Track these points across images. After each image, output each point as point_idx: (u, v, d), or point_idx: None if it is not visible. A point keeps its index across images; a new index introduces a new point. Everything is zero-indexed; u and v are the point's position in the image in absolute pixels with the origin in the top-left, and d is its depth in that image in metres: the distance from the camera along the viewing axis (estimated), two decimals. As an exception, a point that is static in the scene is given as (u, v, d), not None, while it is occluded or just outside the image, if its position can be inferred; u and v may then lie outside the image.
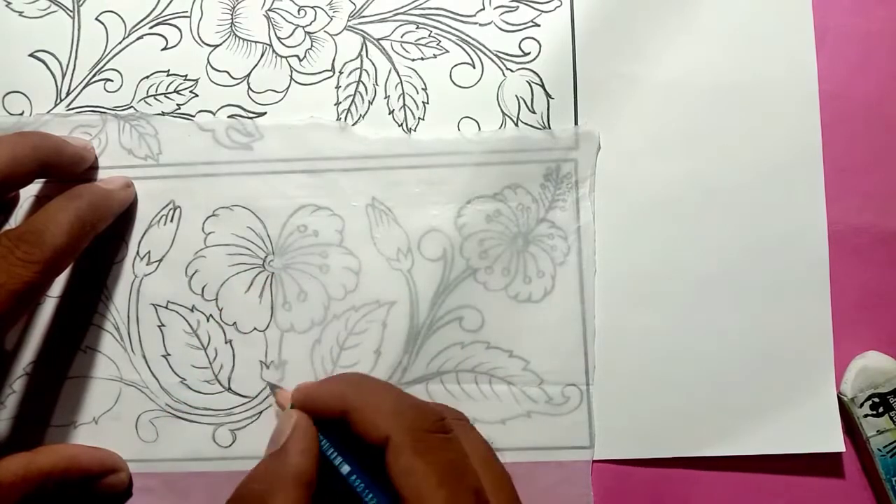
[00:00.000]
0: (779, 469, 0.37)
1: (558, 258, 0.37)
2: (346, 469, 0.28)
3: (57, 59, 0.39)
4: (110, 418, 0.37)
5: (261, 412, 0.37)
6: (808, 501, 0.37)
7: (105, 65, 0.39)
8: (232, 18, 0.39)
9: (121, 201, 0.37)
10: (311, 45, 0.38)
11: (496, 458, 0.30)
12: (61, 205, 0.33)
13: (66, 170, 0.36)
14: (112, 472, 0.36)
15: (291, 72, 0.38)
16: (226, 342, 0.37)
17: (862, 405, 0.36)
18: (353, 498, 0.28)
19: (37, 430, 0.37)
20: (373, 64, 0.38)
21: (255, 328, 0.37)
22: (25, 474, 0.32)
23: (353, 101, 0.38)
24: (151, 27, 0.39)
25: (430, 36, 0.38)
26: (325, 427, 0.29)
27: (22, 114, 0.38)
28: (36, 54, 0.39)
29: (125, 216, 0.38)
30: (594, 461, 0.37)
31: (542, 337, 0.37)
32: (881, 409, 0.36)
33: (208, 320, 0.37)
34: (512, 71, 0.38)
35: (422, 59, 0.38)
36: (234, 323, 0.37)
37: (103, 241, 0.37)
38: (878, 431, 0.36)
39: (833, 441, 0.36)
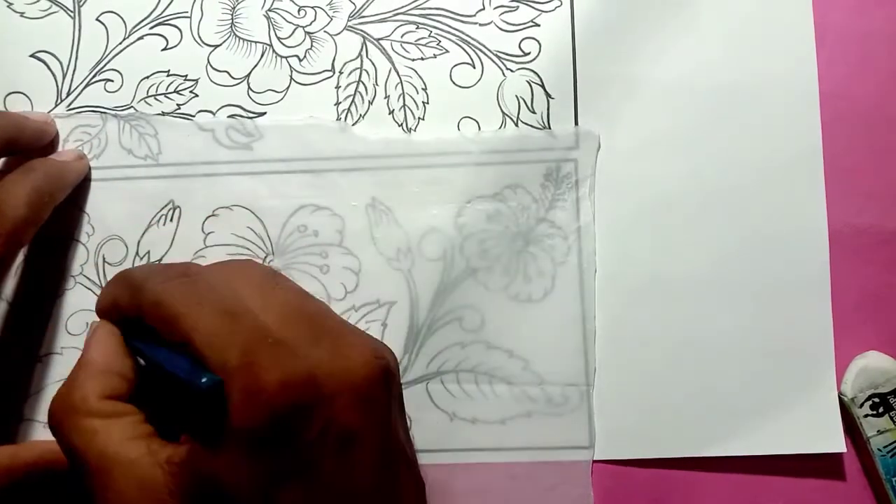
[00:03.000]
0: (779, 469, 0.37)
1: (558, 258, 0.37)
2: (144, 350, 0.29)
3: (58, 59, 0.39)
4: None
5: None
6: (808, 501, 0.37)
7: (105, 65, 0.39)
8: (232, 18, 0.39)
9: (76, 172, 0.37)
10: (311, 45, 0.38)
11: (276, 283, 0.29)
12: (17, 178, 0.34)
13: (29, 144, 0.37)
14: None
15: (291, 72, 0.38)
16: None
17: (862, 405, 0.36)
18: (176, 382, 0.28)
19: (37, 429, 0.37)
20: (373, 64, 0.38)
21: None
22: (10, 466, 0.32)
23: (353, 101, 0.38)
24: (152, 27, 0.39)
25: (430, 36, 0.38)
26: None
27: (22, 114, 0.38)
28: (37, 55, 0.39)
29: (125, 213, 0.38)
30: (594, 461, 0.36)
31: (542, 337, 0.37)
32: (881, 409, 0.36)
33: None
34: (512, 71, 0.38)
35: (422, 59, 0.38)
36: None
37: (103, 241, 0.37)
38: (878, 431, 0.36)
39: (834, 441, 0.36)
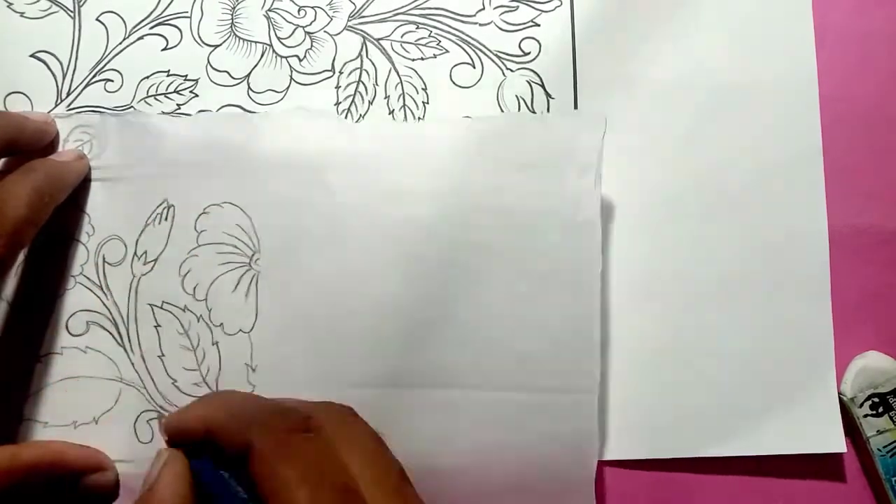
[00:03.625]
0: (779, 469, 0.37)
1: (560, 257, 0.37)
2: (217, 492, 0.27)
3: (58, 59, 0.39)
4: (110, 418, 0.37)
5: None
6: (808, 501, 0.37)
7: (105, 65, 0.39)
8: (232, 18, 0.39)
9: (76, 172, 0.37)
10: (311, 45, 0.38)
11: (384, 451, 0.29)
12: (17, 179, 0.34)
13: (30, 144, 0.36)
14: (98, 471, 0.36)
15: (291, 72, 0.38)
16: (213, 343, 0.37)
17: (862, 405, 0.36)
18: None
19: (37, 429, 0.37)
20: (373, 64, 0.38)
21: (240, 330, 0.37)
22: (10, 467, 0.32)
23: (353, 101, 0.38)
24: (152, 27, 0.39)
25: (430, 36, 0.38)
26: (200, 454, 0.29)
27: (22, 114, 0.38)
28: (37, 55, 0.39)
29: (125, 213, 0.38)
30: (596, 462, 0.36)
31: (542, 337, 0.37)
32: (881, 409, 0.36)
33: (199, 321, 0.37)
34: (512, 71, 0.38)
35: (422, 59, 0.38)
36: (221, 324, 0.37)
37: (103, 241, 0.37)
38: (878, 431, 0.36)
39: (834, 441, 0.36)
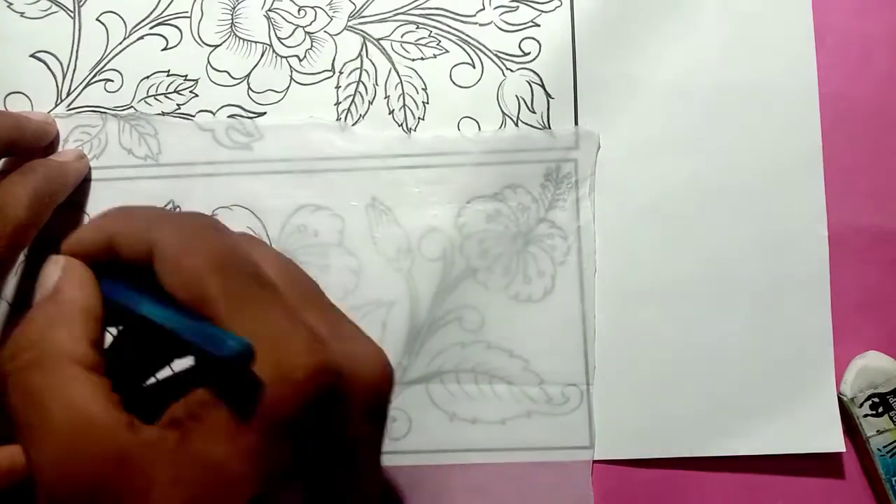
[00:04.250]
0: (779, 469, 0.37)
1: (558, 258, 0.37)
2: (129, 300, 0.24)
3: (58, 59, 0.39)
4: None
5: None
6: (808, 501, 0.37)
7: (105, 65, 0.39)
8: (232, 18, 0.39)
9: (76, 173, 0.37)
10: (311, 45, 0.38)
11: (296, 267, 0.26)
12: (17, 180, 0.33)
13: (30, 145, 0.36)
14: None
15: (291, 72, 0.38)
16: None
17: (862, 405, 0.36)
18: (151, 338, 0.24)
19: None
20: (373, 64, 0.38)
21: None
22: (10, 469, 0.30)
23: (353, 101, 0.38)
24: (152, 27, 0.39)
25: (430, 36, 0.38)
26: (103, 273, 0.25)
27: (22, 114, 0.38)
28: (37, 55, 0.39)
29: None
30: (594, 461, 0.36)
31: (542, 337, 0.37)
32: (881, 409, 0.36)
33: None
34: (512, 71, 0.38)
35: (422, 59, 0.38)
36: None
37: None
38: (877, 431, 0.36)
39: (833, 441, 0.36)
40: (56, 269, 0.25)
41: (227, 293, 0.22)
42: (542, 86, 0.38)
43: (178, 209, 0.38)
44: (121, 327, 0.26)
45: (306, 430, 0.22)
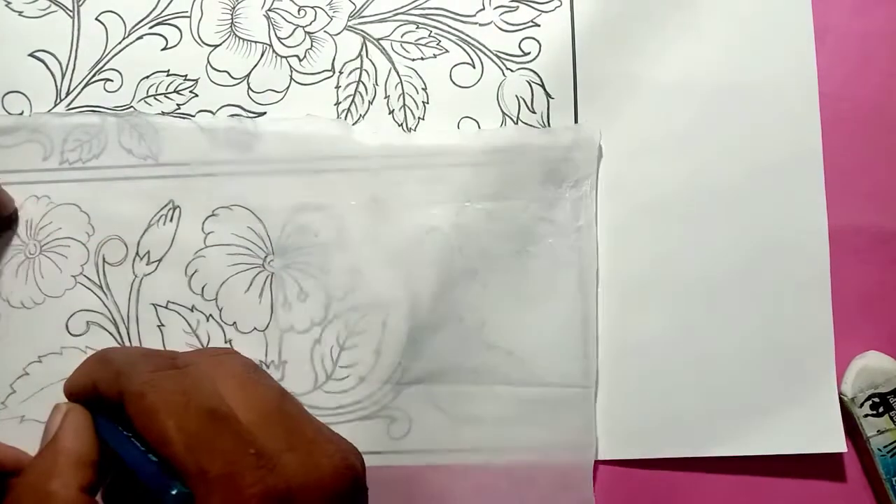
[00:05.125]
0: (780, 469, 0.37)
1: (558, 258, 0.37)
2: (112, 441, 0.27)
3: (57, 58, 0.39)
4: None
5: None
6: (808, 501, 0.37)
7: (105, 65, 0.39)
8: (232, 18, 0.39)
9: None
10: (311, 45, 0.38)
11: (260, 376, 0.29)
12: None
13: None
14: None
15: (291, 72, 0.38)
16: (225, 341, 0.37)
17: (862, 405, 0.36)
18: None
19: (37, 429, 0.37)
20: (373, 64, 0.38)
21: (254, 328, 0.37)
22: None
23: (353, 101, 0.38)
24: (151, 27, 0.39)
25: (430, 36, 0.38)
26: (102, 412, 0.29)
27: (21, 113, 0.38)
28: (36, 54, 0.39)
29: (125, 213, 0.38)
30: (595, 462, 0.36)
31: (542, 337, 0.37)
32: (881, 409, 0.36)
33: (208, 320, 0.37)
34: (512, 71, 0.38)
35: (422, 59, 0.38)
36: (234, 322, 0.37)
37: (103, 241, 0.37)
38: (878, 431, 0.36)
39: (834, 441, 0.36)
40: (58, 417, 0.28)
41: (181, 434, 0.24)
42: (542, 86, 0.38)
43: (178, 209, 0.38)
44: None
45: None
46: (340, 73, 0.38)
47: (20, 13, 0.39)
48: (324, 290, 0.37)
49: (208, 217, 0.38)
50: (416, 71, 0.38)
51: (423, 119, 0.38)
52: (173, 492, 0.23)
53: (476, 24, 0.38)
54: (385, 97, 0.38)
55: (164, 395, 0.25)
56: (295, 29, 0.38)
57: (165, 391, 0.25)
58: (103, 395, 0.27)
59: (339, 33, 0.38)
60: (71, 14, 0.39)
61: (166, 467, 0.24)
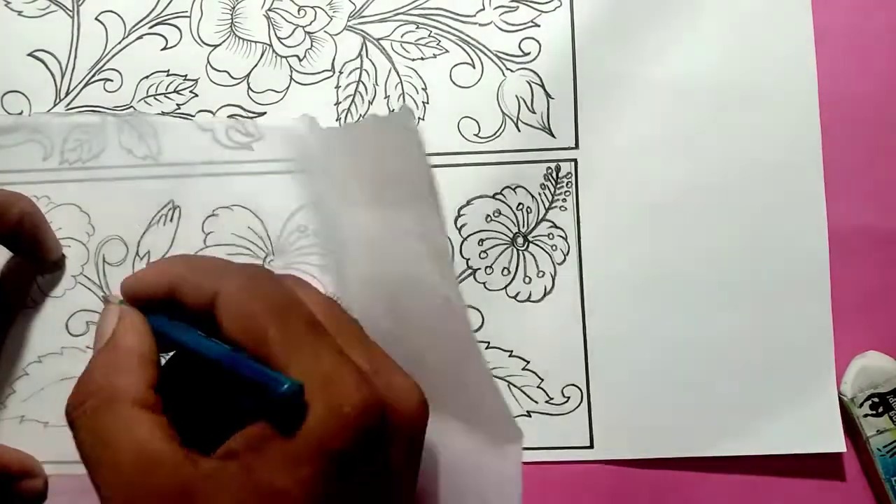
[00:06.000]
0: (779, 469, 0.37)
1: (558, 258, 0.37)
2: (185, 339, 0.26)
3: (56, 58, 0.39)
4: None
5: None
6: (808, 501, 0.37)
7: (104, 64, 0.39)
8: (232, 18, 0.39)
9: None
10: (311, 45, 0.38)
11: (340, 308, 0.29)
12: None
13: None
14: (29, 476, 0.35)
15: (291, 72, 0.38)
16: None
17: (862, 405, 0.36)
18: (200, 373, 0.26)
19: (37, 429, 0.37)
20: (373, 64, 0.38)
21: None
22: None
23: (353, 101, 0.38)
24: (151, 27, 0.39)
25: (430, 36, 0.38)
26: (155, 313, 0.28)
27: (21, 113, 0.38)
28: (35, 54, 0.39)
29: (125, 213, 0.38)
30: (594, 461, 0.36)
31: (542, 337, 0.37)
32: (881, 409, 0.36)
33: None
34: (512, 71, 0.38)
35: (422, 59, 0.38)
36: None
37: (103, 241, 0.37)
38: (877, 431, 0.36)
39: (834, 441, 0.36)
40: (113, 318, 0.27)
41: (284, 337, 0.24)
42: (542, 86, 0.38)
43: (178, 209, 0.38)
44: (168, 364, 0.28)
45: (358, 462, 0.23)
46: (340, 73, 0.38)
47: (20, 13, 0.39)
48: (324, 290, 0.37)
49: (208, 217, 0.38)
50: (416, 71, 0.38)
51: (423, 119, 0.38)
52: (285, 385, 0.23)
53: (476, 24, 0.38)
54: (385, 97, 0.38)
55: (265, 299, 0.25)
56: (295, 29, 0.38)
57: (265, 294, 0.25)
58: (184, 297, 0.27)
59: (339, 33, 0.38)
60: (71, 14, 0.39)
61: (267, 367, 0.24)
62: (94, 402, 0.25)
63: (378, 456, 0.24)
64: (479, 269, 0.37)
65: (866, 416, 0.36)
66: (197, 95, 0.38)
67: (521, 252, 0.37)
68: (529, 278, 0.37)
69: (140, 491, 0.23)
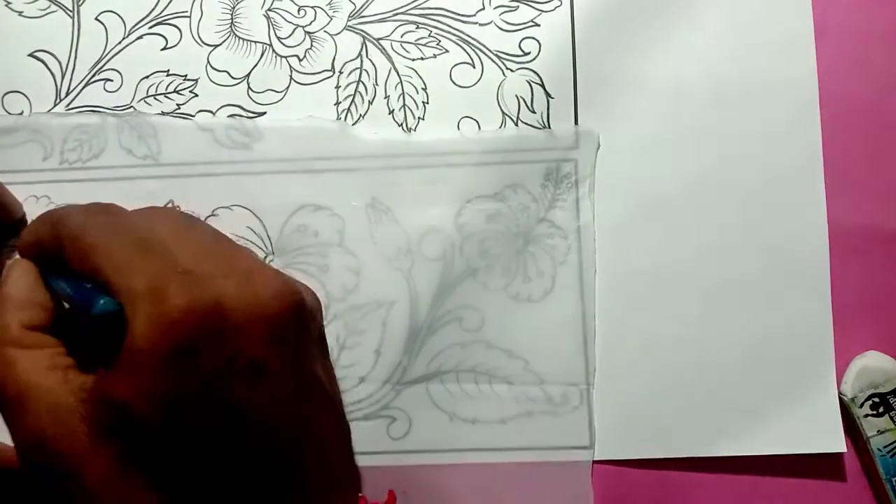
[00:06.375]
0: (779, 469, 0.37)
1: (558, 258, 0.37)
2: (57, 285, 0.28)
3: (56, 58, 0.39)
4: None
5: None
6: (808, 501, 0.37)
7: (105, 64, 0.39)
8: (232, 18, 0.39)
9: None
10: (311, 45, 0.38)
11: (193, 222, 0.29)
12: None
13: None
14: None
15: (291, 72, 0.38)
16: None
17: (862, 405, 0.36)
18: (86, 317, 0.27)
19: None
20: (373, 64, 0.38)
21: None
22: None
23: (353, 101, 0.38)
24: (151, 27, 0.39)
25: (430, 36, 0.38)
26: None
27: (21, 113, 0.38)
28: (35, 54, 0.39)
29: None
30: (594, 461, 0.36)
31: (542, 337, 0.37)
32: (881, 409, 0.36)
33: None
34: (512, 71, 0.38)
35: (422, 58, 0.38)
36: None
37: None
38: (878, 431, 0.36)
39: (834, 441, 0.36)
40: (6, 271, 0.29)
41: (111, 260, 0.25)
42: (542, 86, 0.38)
43: (177, 209, 0.38)
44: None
45: (197, 359, 0.24)
46: (340, 73, 0.38)
47: (20, 13, 0.39)
48: (324, 289, 0.37)
49: (208, 217, 0.38)
50: (416, 71, 0.38)
51: (423, 119, 0.38)
52: (101, 301, 0.24)
53: (476, 23, 0.38)
54: (385, 97, 0.38)
55: (96, 231, 0.26)
56: (295, 29, 0.38)
57: (97, 228, 0.26)
58: (47, 249, 0.28)
59: (339, 33, 0.38)
60: (71, 14, 0.39)
61: (101, 292, 0.25)
62: None
63: (219, 351, 0.24)
64: (479, 269, 0.37)
65: (867, 416, 0.36)
66: (197, 95, 0.38)
67: (521, 252, 0.37)
68: (529, 278, 0.37)
69: (20, 418, 0.25)
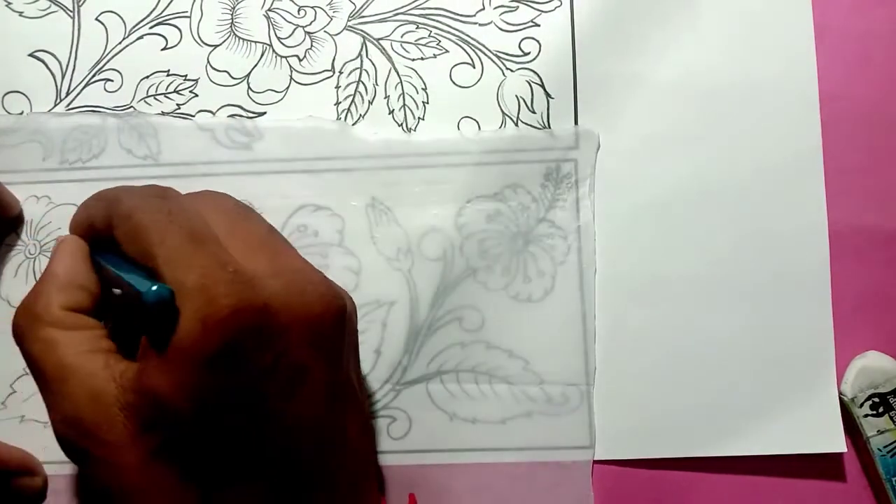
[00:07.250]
0: (779, 469, 0.37)
1: (558, 258, 0.37)
2: (112, 267, 0.28)
3: (57, 58, 0.39)
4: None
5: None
6: (808, 501, 0.37)
7: (105, 65, 0.39)
8: (232, 18, 0.39)
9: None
10: (311, 45, 0.38)
11: (247, 214, 0.30)
12: None
13: None
14: (28, 474, 0.36)
15: (291, 72, 0.38)
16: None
17: (862, 405, 0.36)
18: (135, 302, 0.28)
19: (37, 429, 0.37)
20: (373, 64, 0.38)
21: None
22: None
23: (353, 101, 0.38)
24: (151, 27, 0.39)
25: (430, 36, 0.38)
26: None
27: (21, 113, 0.38)
28: (36, 54, 0.39)
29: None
30: (594, 461, 0.36)
31: (542, 337, 0.37)
32: (881, 409, 0.36)
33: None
34: (512, 71, 0.38)
35: (422, 59, 0.38)
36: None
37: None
38: (878, 431, 0.36)
39: (834, 441, 0.36)
40: (55, 247, 0.30)
41: (163, 251, 0.25)
42: (542, 86, 0.38)
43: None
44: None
45: (239, 360, 0.24)
46: (340, 73, 0.38)
47: (20, 13, 0.39)
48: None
49: (208, 217, 0.38)
50: (416, 71, 0.38)
51: (423, 119, 0.38)
52: (153, 288, 0.24)
53: (476, 24, 0.38)
54: (385, 97, 0.38)
55: (149, 216, 0.26)
56: (295, 29, 0.38)
57: (150, 212, 0.26)
58: (98, 228, 0.28)
59: (339, 33, 0.38)
60: (71, 14, 0.39)
61: (152, 278, 0.25)
62: (22, 324, 0.28)
63: (263, 353, 0.25)
64: (479, 269, 0.37)
65: (867, 416, 0.36)
66: (197, 95, 0.38)
67: (521, 252, 0.37)
68: (529, 278, 0.37)
69: (59, 399, 0.26)
